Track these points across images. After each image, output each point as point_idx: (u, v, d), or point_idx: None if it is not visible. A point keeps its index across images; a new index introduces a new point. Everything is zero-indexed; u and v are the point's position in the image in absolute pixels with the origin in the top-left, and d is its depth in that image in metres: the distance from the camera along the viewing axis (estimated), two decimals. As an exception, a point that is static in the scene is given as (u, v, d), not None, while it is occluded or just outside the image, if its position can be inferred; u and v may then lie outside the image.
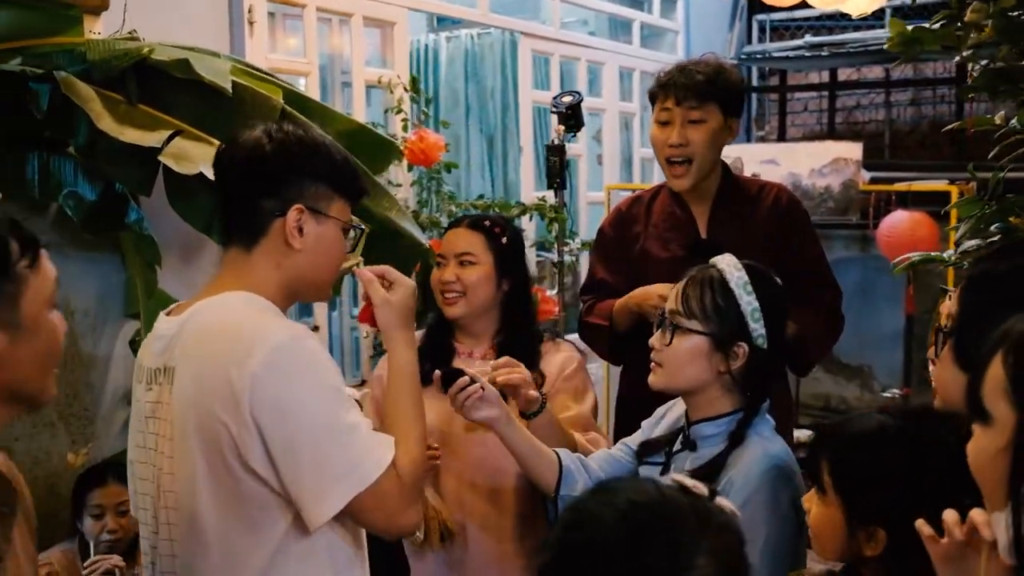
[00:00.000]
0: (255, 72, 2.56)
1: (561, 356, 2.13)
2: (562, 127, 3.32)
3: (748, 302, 1.66)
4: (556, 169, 3.33)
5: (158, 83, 2.37)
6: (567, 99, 3.37)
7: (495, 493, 2.03)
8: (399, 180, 3.50)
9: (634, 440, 1.86)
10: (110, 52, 2.35)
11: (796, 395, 5.09)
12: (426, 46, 6.64)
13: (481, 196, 3.63)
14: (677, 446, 1.73)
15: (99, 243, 2.66)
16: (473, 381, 1.76)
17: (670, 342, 1.68)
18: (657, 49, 5.43)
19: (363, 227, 1.56)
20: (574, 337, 2.55)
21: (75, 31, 2.38)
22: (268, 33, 3.25)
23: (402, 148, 3.26)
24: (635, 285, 2.25)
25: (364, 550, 1.51)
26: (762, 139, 5.92)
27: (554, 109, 3.34)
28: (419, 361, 2.09)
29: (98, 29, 2.60)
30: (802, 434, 4.03)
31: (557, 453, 1.82)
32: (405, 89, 3.34)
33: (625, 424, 2.33)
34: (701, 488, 1.02)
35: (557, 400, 2.10)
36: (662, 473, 1.72)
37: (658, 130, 2.32)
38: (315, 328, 3.37)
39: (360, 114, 3.42)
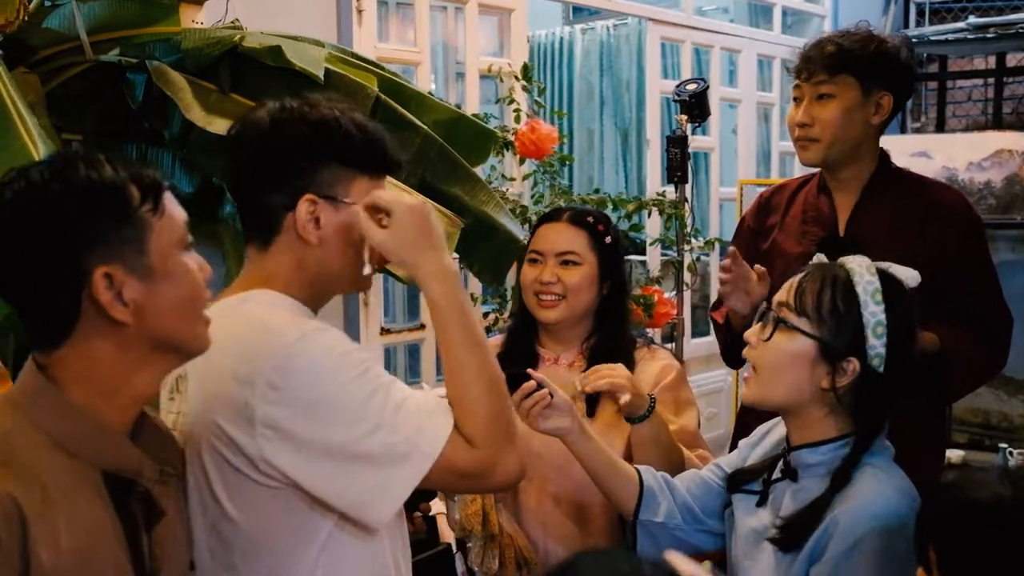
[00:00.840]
0: (353, 60, 2.47)
1: (657, 365, 1.92)
2: (684, 117, 3.11)
3: (873, 313, 1.41)
4: (677, 162, 3.13)
5: (251, 72, 2.31)
6: (691, 87, 3.16)
7: (581, 509, 1.84)
8: (512, 174, 3.36)
9: (730, 461, 1.63)
10: (203, 41, 2.30)
11: (949, 409, 4.66)
12: (561, 39, 6.51)
13: (597, 190, 3.43)
14: (777, 474, 1.49)
15: (198, 236, 2.62)
16: (540, 386, 1.58)
17: (770, 337, 1.46)
18: (802, 35, 5.08)
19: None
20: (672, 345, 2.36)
21: (171, 20, 2.35)
22: (382, 23, 3.18)
23: (513, 140, 3.12)
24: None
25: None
26: (918, 131, 5.46)
27: (676, 98, 3.13)
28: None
29: (200, 19, 2.58)
30: (955, 454, 3.65)
31: (639, 471, 1.62)
32: (516, 78, 3.18)
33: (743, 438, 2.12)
34: None
35: (662, 409, 1.91)
36: (758, 504, 1.49)
37: (792, 108, 2.12)
38: (421, 326, 3.27)
39: (473, 104, 3.30)
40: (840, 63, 2.01)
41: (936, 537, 1.12)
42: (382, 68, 2.56)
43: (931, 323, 1.91)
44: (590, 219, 1.95)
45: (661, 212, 3.40)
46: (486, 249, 2.43)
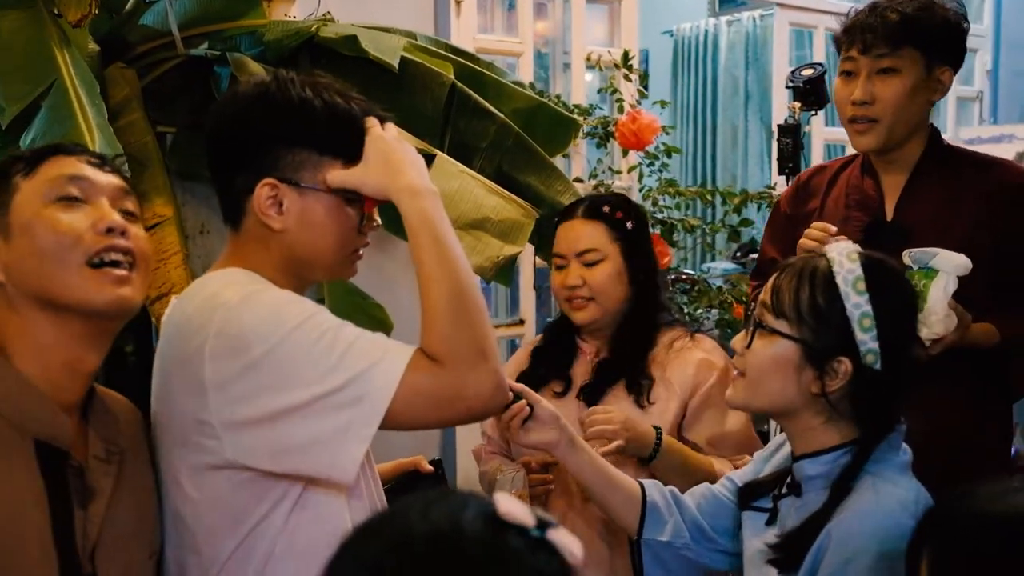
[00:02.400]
0: (433, 50, 2.46)
1: (695, 359, 1.79)
2: (798, 104, 2.91)
3: (857, 304, 1.25)
4: (788, 152, 2.93)
5: (330, 62, 2.34)
6: (807, 72, 2.95)
7: (608, 523, 1.74)
8: (619, 167, 3.27)
9: (744, 475, 1.49)
10: (284, 32, 2.34)
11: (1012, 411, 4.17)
12: (705, 31, 6.32)
13: (703, 183, 3.28)
14: (785, 488, 1.35)
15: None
16: (530, 406, 1.49)
17: (750, 344, 1.32)
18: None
19: (378, 223, 1.30)
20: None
21: (256, 13, 2.40)
22: (486, 14, 3.16)
23: (614, 131, 3.03)
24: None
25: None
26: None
27: (790, 84, 2.93)
28: (535, 366, 1.88)
29: (293, 12, 2.63)
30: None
31: (642, 486, 1.50)
32: (617, 66, 3.08)
33: None
34: None
35: (705, 417, 1.78)
36: (767, 524, 1.35)
37: (841, 83, 1.88)
38: (520, 322, 3.22)
39: (579, 95, 3.22)
40: (905, 34, 1.79)
41: (932, 549, 0.97)
42: (467, 57, 2.53)
43: (991, 313, 1.71)
44: (605, 208, 1.86)
45: (770, 206, 3.21)
46: (561, 239, 2.36)
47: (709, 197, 2.96)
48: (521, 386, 1.52)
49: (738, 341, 1.36)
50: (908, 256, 1.62)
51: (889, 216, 1.88)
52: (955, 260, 1.55)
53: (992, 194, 1.83)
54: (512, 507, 0.71)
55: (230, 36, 2.39)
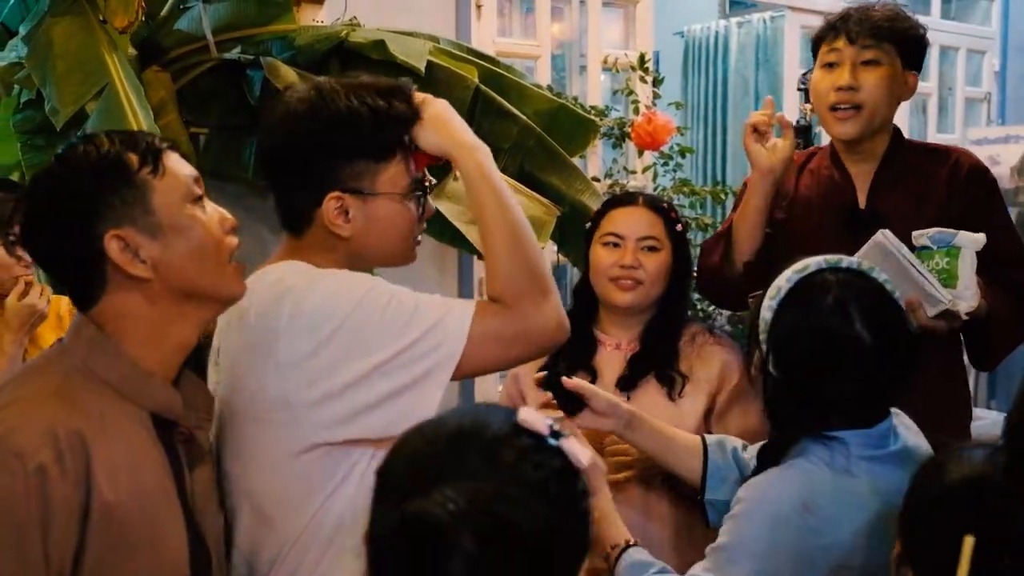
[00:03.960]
0: (457, 53, 2.54)
1: (719, 359, 1.87)
2: (809, 106, 3.00)
3: (764, 307, 1.36)
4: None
5: (359, 66, 2.41)
6: (818, 74, 3.04)
7: (645, 501, 1.82)
8: (633, 166, 3.35)
9: None
10: (315, 37, 2.43)
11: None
12: (716, 33, 6.38)
13: (717, 182, 3.36)
14: None
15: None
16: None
17: None
18: (965, 20, 4.78)
19: (430, 180, 1.37)
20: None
21: (287, 18, 2.49)
22: (506, 18, 3.24)
23: (629, 131, 3.11)
24: (779, 251, 1.90)
25: None
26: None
27: (801, 86, 3.03)
28: (555, 356, 1.94)
29: (320, 17, 2.72)
30: None
31: (705, 444, 1.60)
32: (633, 68, 3.16)
33: None
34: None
35: (731, 415, 1.87)
36: None
37: (823, 74, 1.97)
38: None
39: (595, 97, 3.30)
40: (887, 31, 1.91)
41: (903, 521, 1.05)
42: (489, 61, 2.62)
43: None
44: (664, 205, 1.94)
45: (782, 205, 3.29)
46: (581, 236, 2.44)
47: (723, 196, 3.04)
48: (576, 381, 1.60)
49: None
50: (925, 237, 1.74)
51: (862, 204, 1.98)
52: (974, 236, 1.65)
53: (952, 178, 1.95)
54: (530, 417, 0.85)
55: (262, 40, 2.48)
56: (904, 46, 1.93)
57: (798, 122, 3.02)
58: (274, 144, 1.35)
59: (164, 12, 2.48)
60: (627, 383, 1.84)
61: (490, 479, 0.79)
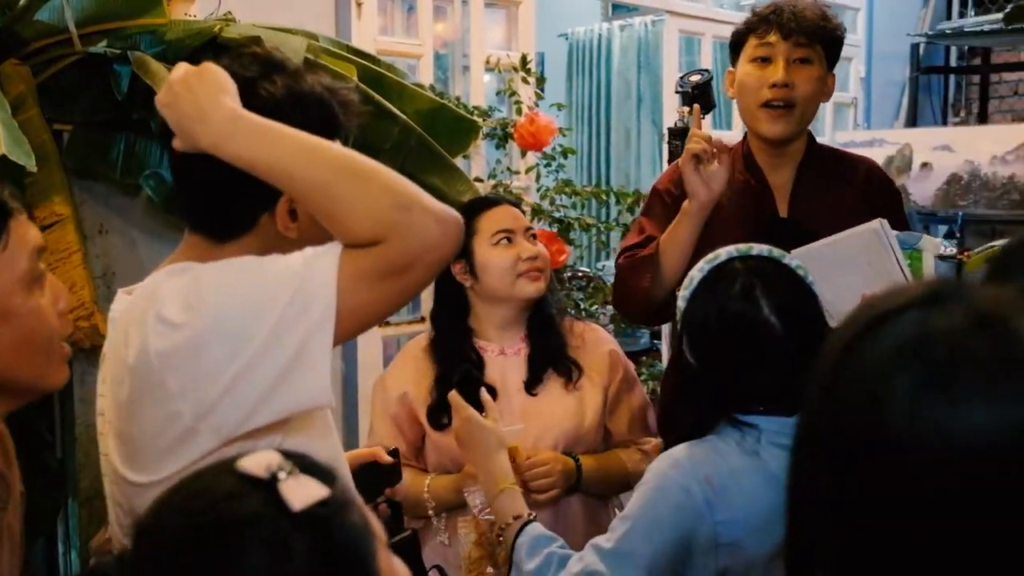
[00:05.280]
0: (336, 52, 2.50)
1: (604, 349, 1.95)
2: (686, 109, 3.04)
3: (679, 297, 1.43)
4: (678, 154, 3.06)
5: (233, 63, 2.35)
6: (695, 78, 3.08)
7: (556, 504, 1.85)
8: (517, 167, 3.36)
9: None
10: (186, 32, 2.35)
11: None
12: (599, 36, 6.47)
13: (597, 183, 3.40)
14: None
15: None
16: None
17: None
18: (833, 28, 4.96)
19: None
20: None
21: (157, 12, 2.39)
22: (385, 16, 3.20)
23: (512, 132, 3.12)
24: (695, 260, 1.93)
25: None
26: (959, 125, 5.29)
27: (679, 89, 3.07)
28: (443, 386, 1.88)
29: (193, 12, 2.62)
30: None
31: None
32: (515, 69, 3.17)
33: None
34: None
35: (620, 407, 1.91)
36: None
37: (754, 68, 1.92)
38: (422, 319, 3.27)
39: (478, 98, 3.30)
40: (818, 32, 1.90)
41: None
42: (369, 59, 2.58)
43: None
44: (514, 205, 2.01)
45: (662, 205, 3.36)
46: (463, 239, 2.44)
47: (604, 197, 3.08)
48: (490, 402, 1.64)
49: None
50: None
51: (783, 213, 1.97)
52: (935, 241, 1.70)
53: (866, 187, 1.99)
54: (247, 462, 0.73)
55: (130, 35, 2.38)
56: (830, 48, 1.94)
57: (676, 124, 3.06)
58: None
59: (23, 1, 2.35)
60: (532, 384, 1.85)
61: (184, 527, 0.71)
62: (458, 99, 3.10)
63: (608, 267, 4.78)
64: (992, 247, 1.73)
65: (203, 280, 1.13)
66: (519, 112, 3.16)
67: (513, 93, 3.17)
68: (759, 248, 1.41)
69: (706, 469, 1.30)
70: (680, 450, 1.36)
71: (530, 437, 1.81)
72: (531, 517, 1.45)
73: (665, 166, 4.21)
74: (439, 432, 1.81)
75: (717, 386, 1.36)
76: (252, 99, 1.16)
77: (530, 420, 1.81)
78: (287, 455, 0.73)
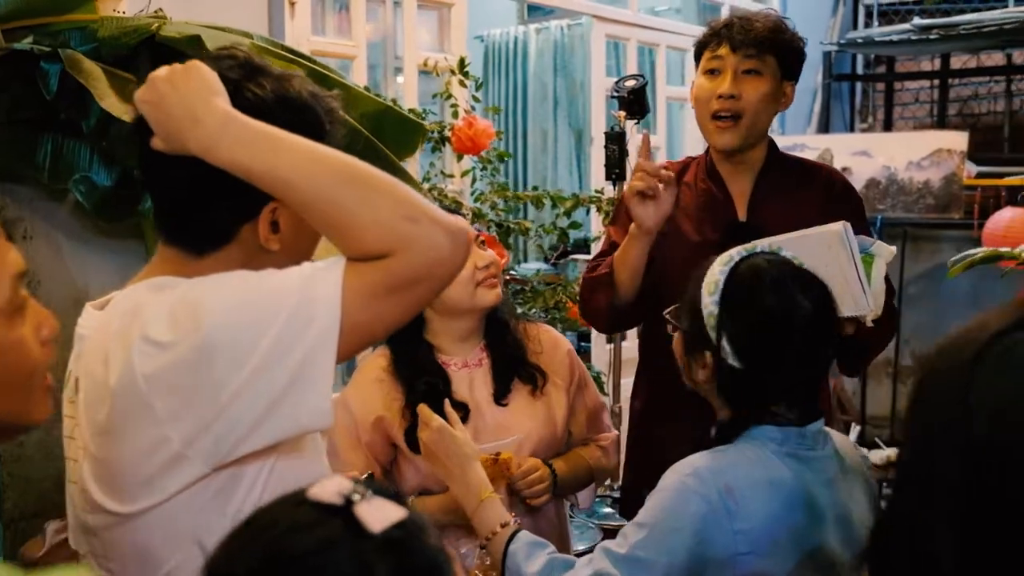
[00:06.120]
0: (278, 52, 2.43)
1: (562, 351, 1.98)
2: (623, 113, 3.08)
3: (706, 305, 1.40)
4: (615, 159, 3.10)
5: (172, 62, 2.26)
6: (630, 83, 3.12)
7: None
8: (452, 170, 3.32)
9: None
10: (120, 29, 2.24)
11: (893, 409, 4.69)
12: (515, 38, 6.48)
13: (535, 187, 3.40)
14: None
15: (121, 231, 2.57)
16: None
17: (671, 335, 1.51)
18: (749, 35, 5.08)
19: None
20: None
21: (87, 8, 2.28)
22: (318, 17, 3.13)
23: (450, 136, 3.09)
24: (661, 271, 1.97)
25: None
26: (866, 131, 5.50)
27: (615, 94, 3.10)
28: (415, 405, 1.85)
29: (121, 8, 2.51)
30: (877, 455, 3.68)
31: None
32: (453, 72, 3.14)
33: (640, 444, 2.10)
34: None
35: (578, 407, 1.96)
36: None
37: (706, 80, 1.99)
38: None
39: (411, 100, 3.25)
40: (769, 43, 1.97)
41: None
42: (310, 60, 2.51)
43: None
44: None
45: (599, 210, 3.38)
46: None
47: (544, 201, 3.08)
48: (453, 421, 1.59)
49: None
50: None
51: (742, 217, 2.04)
52: (888, 247, 1.73)
53: (826, 193, 2.05)
54: (318, 489, 0.72)
55: (58, 31, 2.26)
56: (784, 57, 1.99)
57: (612, 128, 3.10)
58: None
59: (-60, -6, 2.21)
60: (500, 395, 1.84)
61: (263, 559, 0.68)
62: (394, 101, 3.06)
63: (525, 270, 4.79)
64: (974, 254, 1.80)
65: (192, 297, 1.06)
66: (455, 115, 3.13)
67: (450, 96, 3.14)
68: (760, 244, 1.45)
69: (726, 479, 1.31)
70: (698, 459, 1.35)
71: (506, 448, 1.80)
72: (518, 524, 1.43)
73: (593, 169, 4.25)
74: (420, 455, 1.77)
75: (761, 383, 1.37)
76: (238, 102, 1.11)
77: (504, 432, 1.80)
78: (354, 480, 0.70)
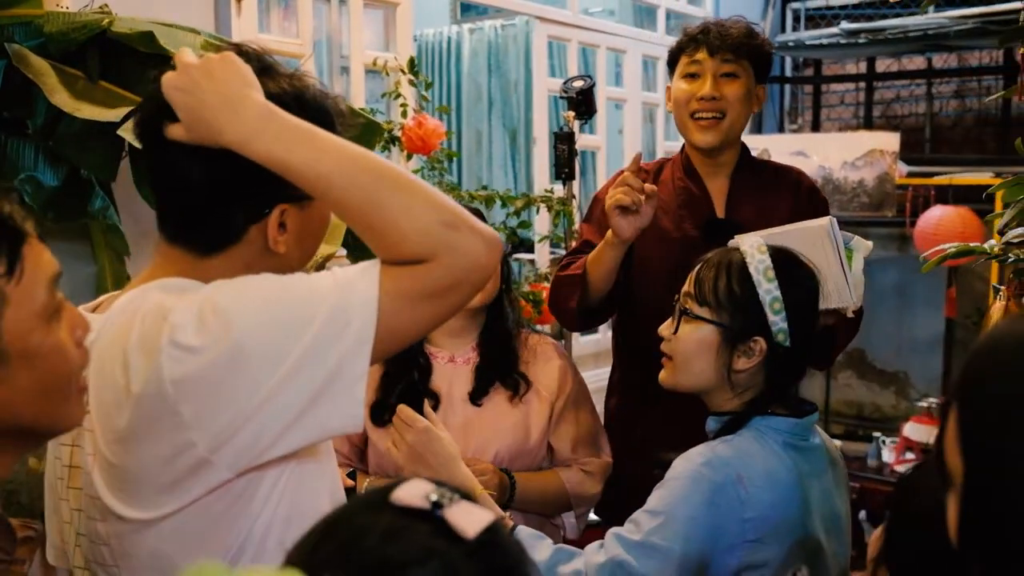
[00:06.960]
0: (223, 47, 2.38)
1: (554, 365, 1.96)
2: (572, 114, 3.10)
3: (768, 290, 1.45)
4: (564, 159, 3.12)
5: (122, 59, 2.21)
6: (578, 84, 3.15)
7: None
8: (400, 170, 3.31)
9: None
10: (68, 24, 2.18)
11: (827, 402, 4.83)
12: (448, 38, 6.47)
13: (485, 187, 3.41)
14: None
15: (69, 232, 2.49)
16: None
17: (676, 330, 1.49)
18: (684, 37, 5.17)
19: None
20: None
21: (32, 3, 2.22)
22: (264, 14, 3.08)
23: (399, 135, 3.07)
24: (640, 266, 1.99)
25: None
26: (796, 132, 5.64)
27: (563, 94, 3.12)
28: (388, 384, 1.84)
29: (65, 4, 2.44)
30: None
31: None
32: (403, 72, 3.13)
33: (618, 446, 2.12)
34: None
35: (564, 422, 1.92)
36: None
37: (685, 84, 2.08)
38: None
39: (359, 99, 3.23)
40: (744, 48, 2.05)
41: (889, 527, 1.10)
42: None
43: None
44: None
45: (549, 209, 3.41)
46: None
47: (496, 201, 3.09)
48: (432, 417, 1.54)
49: (665, 328, 1.52)
50: None
51: (721, 214, 2.10)
52: (866, 243, 1.79)
53: (796, 194, 2.14)
54: (402, 493, 0.70)
55: (2, 26, 2.18)
56: (757, 61, 2.08)
57: (561, 128, 3.12)
58: (212, 153, 1.07)
59: None
60: (477, 395, 1.82)
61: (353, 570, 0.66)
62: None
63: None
64: (950, 248, 1.86)
65: (219, 300, 1.04)
66: (404, 115, 3.12)
67: (399, 95, 3.12)
68: (748, 238, 1.51)
69: (738, 468, 1.34)
70: (709, 448, 1.38)
71: (470, 448, 1.79)
72: (512, 522, 1.44)
73: (536, 169, 4.27)
74: (380, 429, 1.76)
75: (802, 362, 1.45)
76: None
77: (472, 431, 1.80)
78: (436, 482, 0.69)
